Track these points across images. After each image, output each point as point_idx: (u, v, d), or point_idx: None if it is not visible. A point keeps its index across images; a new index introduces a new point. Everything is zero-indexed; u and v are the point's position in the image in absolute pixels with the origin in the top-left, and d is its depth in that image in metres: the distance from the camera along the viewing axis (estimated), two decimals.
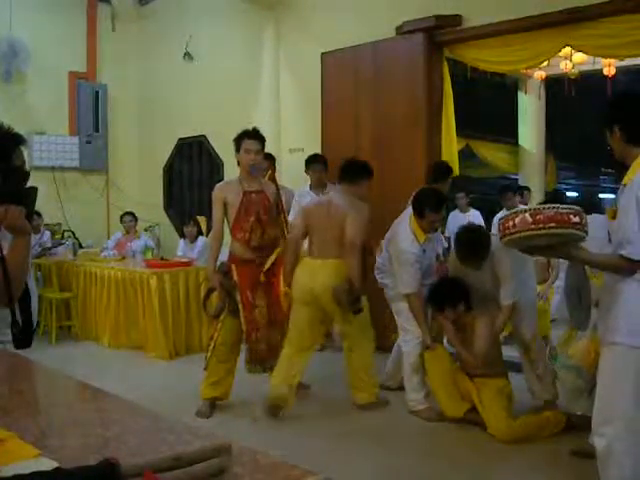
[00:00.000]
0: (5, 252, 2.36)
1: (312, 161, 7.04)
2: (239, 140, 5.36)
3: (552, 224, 2.86)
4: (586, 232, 2.94)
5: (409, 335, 5.18)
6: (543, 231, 2.87)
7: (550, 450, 4.33)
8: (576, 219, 2.89)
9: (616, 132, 3.06)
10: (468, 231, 4.85)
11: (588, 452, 4.01)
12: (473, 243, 4.76)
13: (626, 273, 2.89)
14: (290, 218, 7.21)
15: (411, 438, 4.61)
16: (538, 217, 2.88)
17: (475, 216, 9.51)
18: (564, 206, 2.92)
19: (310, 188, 7.07)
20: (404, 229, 5.09)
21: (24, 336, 2.56)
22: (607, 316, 3.00)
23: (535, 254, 3.55)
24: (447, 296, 4.81)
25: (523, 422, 4.55)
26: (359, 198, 5.18)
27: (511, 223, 2.97)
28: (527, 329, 5.05)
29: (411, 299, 5.02)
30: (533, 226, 2.89)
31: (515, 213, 2.98)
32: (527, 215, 2.91)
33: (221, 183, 5.67)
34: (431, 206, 4.94)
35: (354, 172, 5.28)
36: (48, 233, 8.58)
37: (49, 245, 8.52)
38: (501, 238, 3.09)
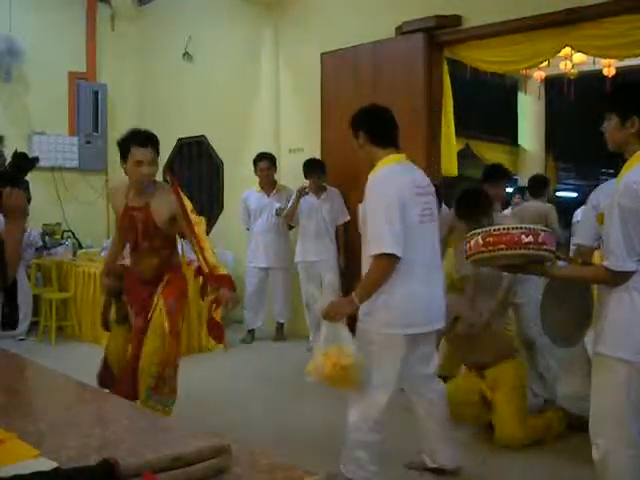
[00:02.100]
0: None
1: (309, 169, 7.11)
2: (124, 146, 4.29)
3: (501, 246, 2.80)
4: (546, 250, 2.83)
5: None
6: (494, 253, 2.84)
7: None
8: (528, 239, 2.79)
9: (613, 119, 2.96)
10: (465, 189, 5.03)
11: None
12: (470, 195, 4.86)
13: (611, 284, 2.82)
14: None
15: None
16: (488, 239, 2.85)
17: None
18: (518, 225, 2.88)
19: (309, 191, 7.10)
20: None
21: (10, 320, 2.69)
22: (596, 326, 2.96)
23: (512, 272, 3.47)
24: (476, 205, 4.65)
25: (531, 426, 4.50)
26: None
27: (467, 246, 2.97)
28: (530, 326, 5.01)
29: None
30: (484, 249, 2.86)
31: (472, 235, 2.97)
32: (479, 238, 2.90)
33: (115, 183, 5.02)
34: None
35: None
36: (35, 232, 8.52)
37: (40, 244, 8.51)
38: (466, 258, 3.08)
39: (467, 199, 4.81)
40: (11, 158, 2.74)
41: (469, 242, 2.96)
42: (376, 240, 3.46)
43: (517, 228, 2.84)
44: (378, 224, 3.47)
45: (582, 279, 3.11)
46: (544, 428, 4.55)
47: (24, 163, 2.72)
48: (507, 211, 8.03)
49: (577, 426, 4.42)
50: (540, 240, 2.82)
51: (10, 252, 2.47)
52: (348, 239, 7.11)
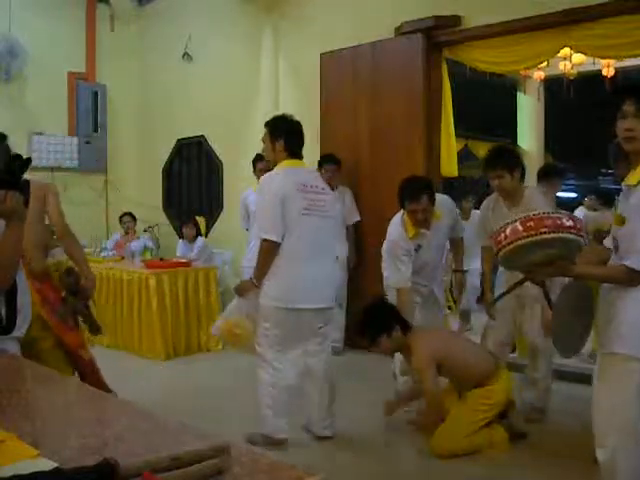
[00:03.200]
0: None
1: (325, 160, 6.96)
2: None
3: (544, 229, 2.73)
4: (582, 237, 2.81)
5: None
6: (536, 237, 2.75)
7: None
8: (569, 223, 2.76)
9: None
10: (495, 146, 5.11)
11: None
12: (500, 148, 4.94)
13: (626, 284, 2.77)
14: None
15: None
16: (529, 224, 2.75)
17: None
18: (556, 211, 2.84)
19: None
20: (396, 222, 4.99)
21: (8, 324, 2.79)
22: (606, 326, 2.91)
23: (536, 276, 3.38)
24: (378, 324, 4.37)
25: (469, 443, 4.33)
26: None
27: (502, 235, 2.84)
28: (537, 329, 4.87)
29: (399, 293, 4.85)
30: (524, 234, 2.76)
31: (505, 224, 2.87)
32: (517, 224, 2.79)
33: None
34: (408, 195, 4.78)
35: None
36: None
37: None
38: (496, 254, 2.98)
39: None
40: (3, 162, 2.66)
41: (504, 231, 2.84)
42: (260, 228, 4.32)
43: (555, 213, 2.80)
44: (261, 215, 4.35)
45: (599, 277, 3.00)
46: (478, 446, 4.36)
47: (18, 166, 2.64)
48: None
49: (519, 436, 4.51)
50: (578, 226, 2.79)
51: (7, 256, 2.48)
52: (359, 239, 7.08)
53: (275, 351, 4.33)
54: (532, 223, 2.75)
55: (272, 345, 4.32)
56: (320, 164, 6.96)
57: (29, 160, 2.61)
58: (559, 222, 2.75)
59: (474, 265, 7.04)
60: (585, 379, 5.64)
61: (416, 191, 4.77)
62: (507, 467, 4.20)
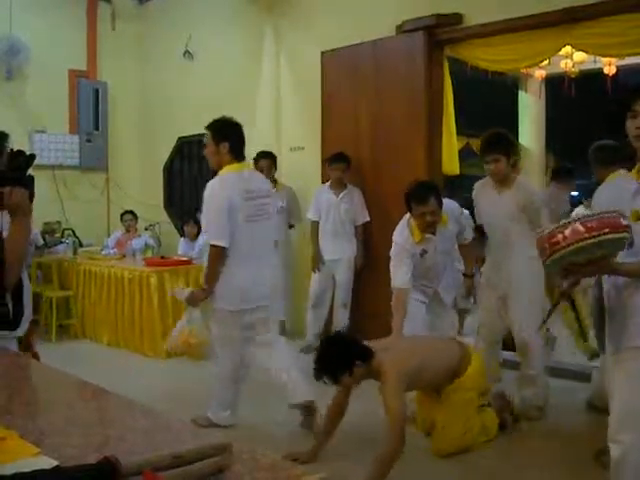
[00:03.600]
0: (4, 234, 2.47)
1: (335, 159, 6.93)
2: None
3: (606, 229, 2.69)
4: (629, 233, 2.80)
5: None
6: (600, 238, 2.72)
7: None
8: (625, 222, 2.75)
9: None
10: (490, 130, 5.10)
11: None
12: (498, 132, 4.98)
13: None
14: (309, 215, 7.19)
15: None
16: (590, 225, 2.73)
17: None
18: (607, 210, 2.81)
19: (330, 186, 7.03)
20: (403, 224, 4.98)
21: (13, 321, 2.71)
22: (627, 321, 2.88)
23: (569, 276, 3.34)
24: (335, 366, 3.96)
25: (470, 438, 4.34)
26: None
27: (560, 237, 2.81)
28: (527, 326, 4.86)
29: (395, 294, 4.80)
30: (587, 235, 2.73)
31: (562, 226, 2.83)
32: (578, 225, 2.76)
33: None
34: (415, 198, 4.75)
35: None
36: (36, 230, 8.52)
37: (40, 242, 8.51)
38: (549, 256, 2.93)
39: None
40: (8, 158, 2.74)
41: (561, 232, 2.80)
42: (209, 234, 4.57)
43: (608, 212, 2.78)
44: (210, 222, 4.56)
45: (635, 272, 3.01)
46: (479, 434, 4.42)
47: (23, 161, 2.70)
48: None
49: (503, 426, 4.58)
50: (627, 223, 2.79)
51: (15, 251, 2.49)
52: (367, 239, 7.00)
53: (230, 350, 4.67)
54: (593, 224, 2.72)
55: (226, 344, 4.66)
56: (329, 163, 6.95)
57: (33, 156, 2.67)
58: (618, 222, 2.73)
59: None
60: (581, 376, 5.72)
61: (423, 193, 4.77)
62: (507, 465, 4.21)
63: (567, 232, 2.76)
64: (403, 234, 4.92)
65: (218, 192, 4.49)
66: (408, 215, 4.95)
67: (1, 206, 2.59)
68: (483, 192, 5.10)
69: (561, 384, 5.60)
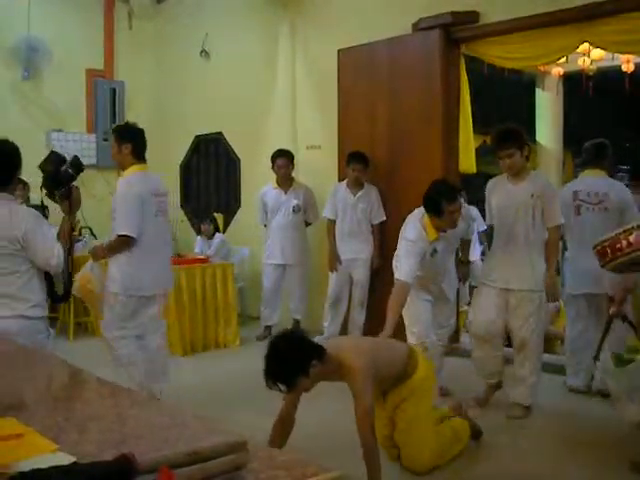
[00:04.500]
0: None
1: (353, 159, 6.89)
2: None
3: None
4: None
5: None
6: None
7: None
8: None
9: None
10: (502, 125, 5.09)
11: None
12: (509, 127, 4.98)
13: None
14: (325, 214, 7.18)
15: None
16: None
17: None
18: None
19: (347, 185, 7.01)
20: (414, 221, 4.93)
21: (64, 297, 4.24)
22: None
23: (633, 271, 3.32)
24: (290, 368, 3.46)
25: (441, 446, 4.04)
26: None
27: (625, 243, 2.80)
28: (529, 325, 4.86)
29: (398, 286, 4.72)
30: None
31: (624, 233, 2.81)
32: None
33: None
34: (447, 196, 4.71)
35: None
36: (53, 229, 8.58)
37: None
38: (610, 261, 2.90)
39: None
40: (70, 161, 3.84)
41: (626, 238, 2.78)
42: (120, 225, 4.90)
43: None
44: (123, 214, 4.91)
45: None
46: (453, 442, 4.16)
47: (80, 164, 3.83)
48: None
49: (477, 435, 4.40)
50: None
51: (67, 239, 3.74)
52: (384, 239, 6.88)
53: (119, 329, 4.94)
54: None
55: (116, 327, 4.95)
56: (348, 162, 6.93)
57: (77, 157, 3.90)
58: None
59: None
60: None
61: (454, 192, 4.82)
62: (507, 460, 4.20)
63: (631, 239, 2.74)
64: (416, 231, 4.86)
65: (132, 189, 4.89)
66: (420, 214, 4.92)
67: (70, 199, 3.82)
68: (498, 186, 5.12)
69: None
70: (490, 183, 5.23)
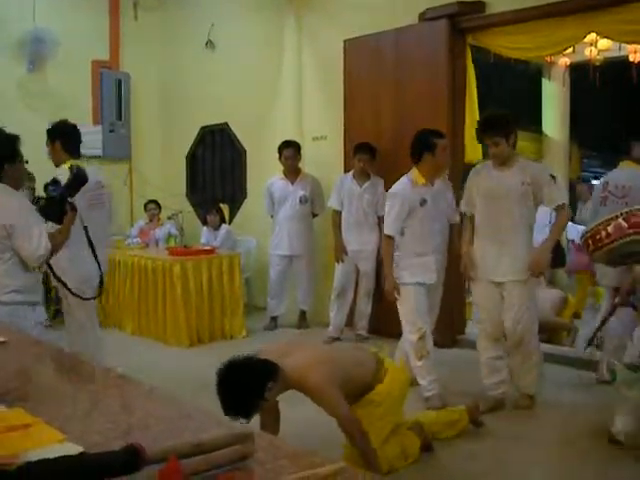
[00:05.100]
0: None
1: (360, 149, 6.90)
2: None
3: None
4: None
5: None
6: None
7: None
8: None
9: None
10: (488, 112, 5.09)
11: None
12: (494, 115, 4.88)
13: None
14: (330, 204, 7.18)
15: None
16: (634, 220, 2.69)
17: None
18: None
19: (353, 176, 7.01)
20: (402, 180, 5.17)
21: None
22: None
23: (627, 263, 3.30)
24: (247, 397, 3.24)
25: (384, 459, 3.73)
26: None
27: (604, 233, 2.78)
28: (524, 320, 4.73)
29: (384, 241, 5.19)
30: (631, 230, 2.70)
31: (603, 223, 2.79)
32: (620, 221, 2.72)
33: None
34: (434, 133, 5.08)
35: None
36: None
37: None
38: (594, 252, 2.88)
39: None
40: (73, 174, 4.01)
41: (604, 229, 2.77)
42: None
43: None
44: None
45: None
46: (398, 458, 3.88)
47: (83, 177, 4.03)
48: None
49: (427, 448, 4.13)
50: None
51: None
52: None
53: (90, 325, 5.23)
54: (638, 219, 2.69)
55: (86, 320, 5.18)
56: (354, 152, 6.93)
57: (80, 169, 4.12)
58: None
59: None
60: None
61: (438, 131, 5.22)
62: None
63: (610, 229, 2.72)
64: (400, 185, 5.13)
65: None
66: (411, 172, 5.15)
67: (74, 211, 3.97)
68: (482, 173, 4.90)
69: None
70: (474, 170, 5.06)
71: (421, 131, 5.19)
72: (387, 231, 5.10)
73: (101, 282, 4.89)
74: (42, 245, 3.69)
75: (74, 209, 3.99)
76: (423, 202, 5.03)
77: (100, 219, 5.16)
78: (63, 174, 4.53)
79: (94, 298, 5.06)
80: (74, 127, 5.24)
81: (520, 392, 4.95)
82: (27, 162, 4.06)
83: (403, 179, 5.16)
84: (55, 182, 4.01)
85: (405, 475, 3.84)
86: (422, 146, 5.07)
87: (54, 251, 3.83)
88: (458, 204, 5.25)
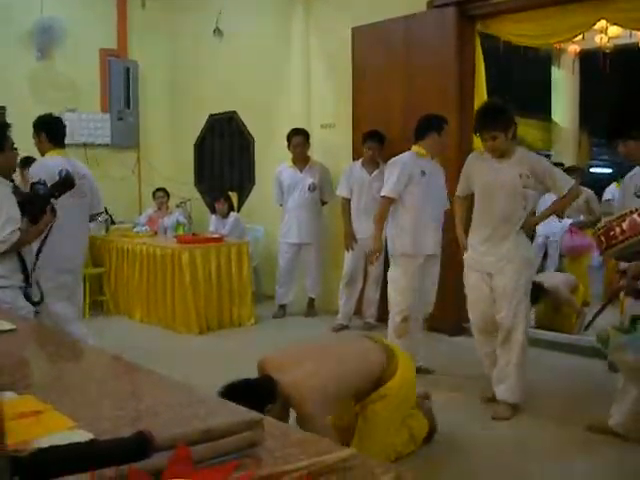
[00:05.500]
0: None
1: (368, 137, 6.91)
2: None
3: None
4: None
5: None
6: None
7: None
8: None
9: None
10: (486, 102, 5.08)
11: (603, 427, 4.09)
12: (490, 107, 4.70)
13: None
14: (339, 192, 7.18)
15: None
16: None
17: None
18: None
19: (362, 164, 7.01)
20: (402, 154, 5.39)
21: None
22: None
23: (632, 260, 3.26)
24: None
25: (392, 446, 3.75)
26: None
27: (618, 230, 2.73)
28: (514, 314, 4.55)
29: (383, 203, 5.36)
30: None
31: (618, 219, 2.75)
32: (636, 217, 2.68)
33: None
34: (442, 117, 5.36)
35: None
36: None
37: None
38: (607, 249, 2.84)
39: None
40: (62, 178, 4.31)
41: (618, 225, 2.73)
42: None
43: None
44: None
45: None
46: (408, 444, 3.89)
47: (71, 182, 4.24)
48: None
49: (432, 432, 4.08)
50: None
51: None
52: None
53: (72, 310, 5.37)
54: None
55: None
56: (363, 140, 6.93)
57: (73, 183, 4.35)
58: None
59: None
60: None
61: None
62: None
63: (624, 225, 2.69)
64: (399, 157, 5.37)
65: (47, 170, 4.92)
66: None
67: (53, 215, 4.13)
68: (480, 162, 4.73)
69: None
70: (471, 157, 4.87)
71: (429, 113, 5.44)
72: (386, 193, 5.30)
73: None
74: (6, 229, 3.79)
75: (54, 212, 4.14)
76: (423, 173, 5.24)
77: (78, 209, 5.26)
78: (38, 170, 4.95)
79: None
80: (58, 119, 5.41)
81: (500, 399, 4.63)
82: (16, 149, 4.18)
83: (405, 153, 5.38)
84: (43, 182, 4.19)
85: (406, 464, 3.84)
86: (431, 125, 5.31)
87: (19, 245, 3.91)
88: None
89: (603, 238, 2.75)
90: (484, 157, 4.70)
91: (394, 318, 5.28)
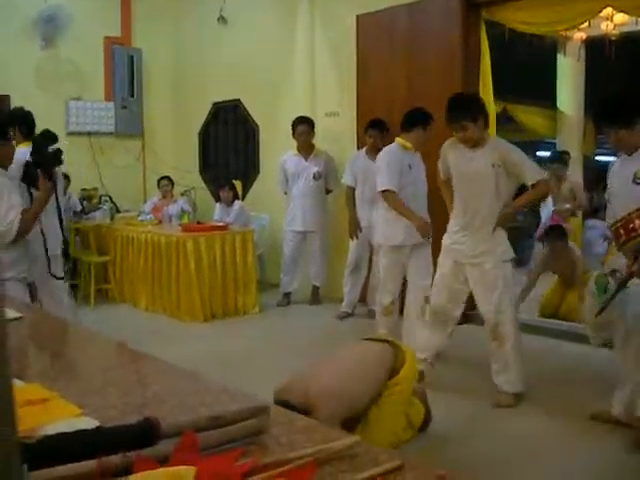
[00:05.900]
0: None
1: (370, 125, 6.90)
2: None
3: None
4: None
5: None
6: None
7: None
8: None
9: None
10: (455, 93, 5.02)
11: (607, 417, 4.08)
12: (458, 97, 4.78)
13: None
14: (344, 180, 7.18)
15: None
16: None
17: None
18: None
19: (366, 152, 6.99)
20: (388, 147, 5.57)
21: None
22: None
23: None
24: None
25: (392, 437, 3.72)
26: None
27: (638, 222, 2.73)
28: (503, 307, 4.53)
29: (389, 197, 5.38)
30: None
31: (637, 211, 2.73)
32: None
33: None
34: (429, 114, 5.41)
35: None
36: (74, 197, 8.66)
37: (78, 208, 8.63)
38: (626, 242, 2.83)
39: None
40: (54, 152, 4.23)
41: (639, 218, 2.72)
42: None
43: None
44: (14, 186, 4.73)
45: None
46: (405, 429, 3.88)
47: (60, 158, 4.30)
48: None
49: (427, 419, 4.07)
50: None
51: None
52: None
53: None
54: None
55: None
56: (366, 129, 6.92)
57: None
58: None
59: None
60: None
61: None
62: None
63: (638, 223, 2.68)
64: (388, 148, 5.54)
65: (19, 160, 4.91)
66: (393, 143, 5.57)
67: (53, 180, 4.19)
68: (454, 149, 4.72)
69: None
70: (447, 144, 4.81)
71: (418, 107, 5.53)
72: (388, 186, 5.36)
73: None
74: (9, 217, 3.85)
75: (53, 182, 4.22)
76: (410, 167, 5.40)
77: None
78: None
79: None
80: (28, 113, 5.44)
81: (500, 389, 4.61)
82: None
83: (391, 146, 5.55)
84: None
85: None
86: (418, 119, 5.43)
87: (28, 225, 3.98)
88: None
89: (622, 231, 2.74)
90: (458, 146, 4.69)
91: (382, 302, 5.60)
